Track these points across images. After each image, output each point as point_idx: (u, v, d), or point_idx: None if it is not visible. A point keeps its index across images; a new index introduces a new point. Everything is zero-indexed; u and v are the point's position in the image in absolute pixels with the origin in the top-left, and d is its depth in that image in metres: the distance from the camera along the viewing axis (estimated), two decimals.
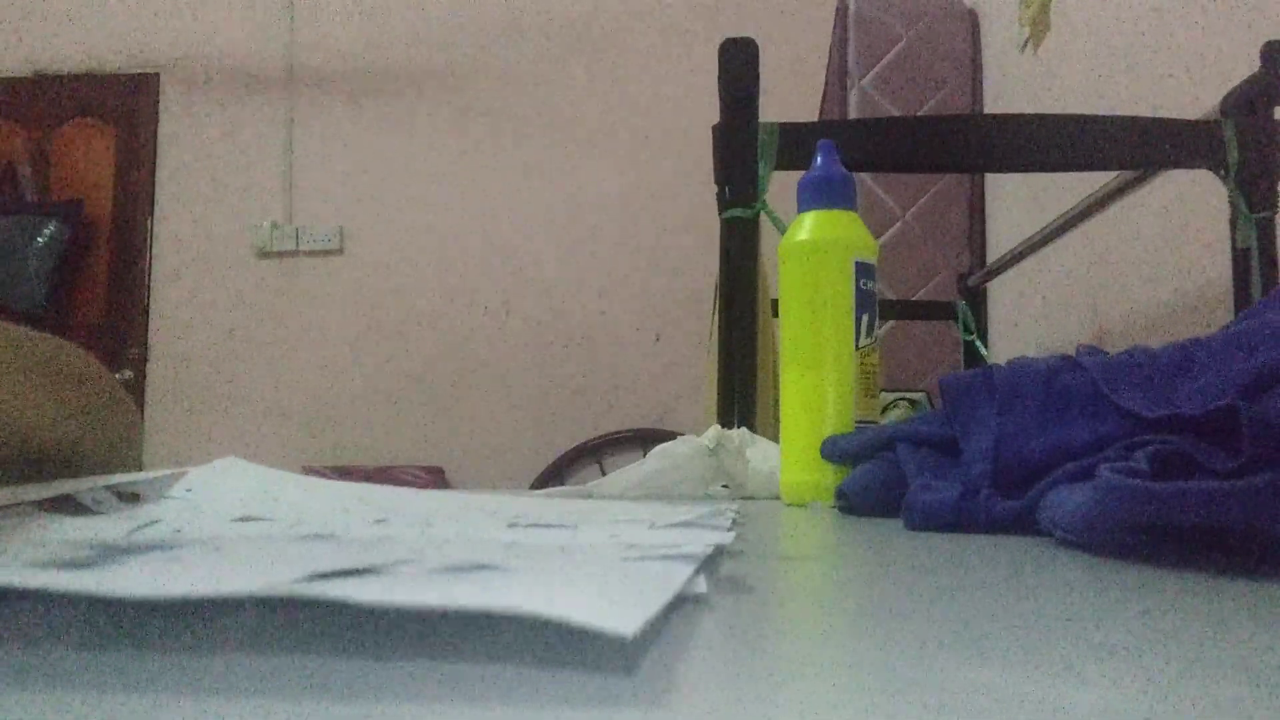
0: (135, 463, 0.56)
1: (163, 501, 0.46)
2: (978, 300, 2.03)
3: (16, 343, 0.48)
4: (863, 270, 0.65)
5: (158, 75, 3.56)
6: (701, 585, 0.22)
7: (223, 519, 0.41)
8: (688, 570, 0.22)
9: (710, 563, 0.29)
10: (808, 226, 0.66)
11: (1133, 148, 1.06)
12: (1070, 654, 0.17)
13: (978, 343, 1.86)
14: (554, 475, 3.23)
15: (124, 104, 3.55)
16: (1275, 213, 1.04)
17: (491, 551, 0.27)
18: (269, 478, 0.50)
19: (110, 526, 0.38)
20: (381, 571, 0.19)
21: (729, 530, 0.36)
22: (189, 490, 0.47)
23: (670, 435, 0.86)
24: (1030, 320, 2.16)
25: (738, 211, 1.00)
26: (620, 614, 0.14)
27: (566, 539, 0.33)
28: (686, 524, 0.38)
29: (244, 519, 0.41)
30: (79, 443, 0.49)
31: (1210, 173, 1.05)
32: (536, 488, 2.37)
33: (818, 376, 0.64)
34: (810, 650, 0.18)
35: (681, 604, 0.22)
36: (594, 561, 0.24)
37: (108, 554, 0.22)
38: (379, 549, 0.27)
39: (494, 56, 3.47)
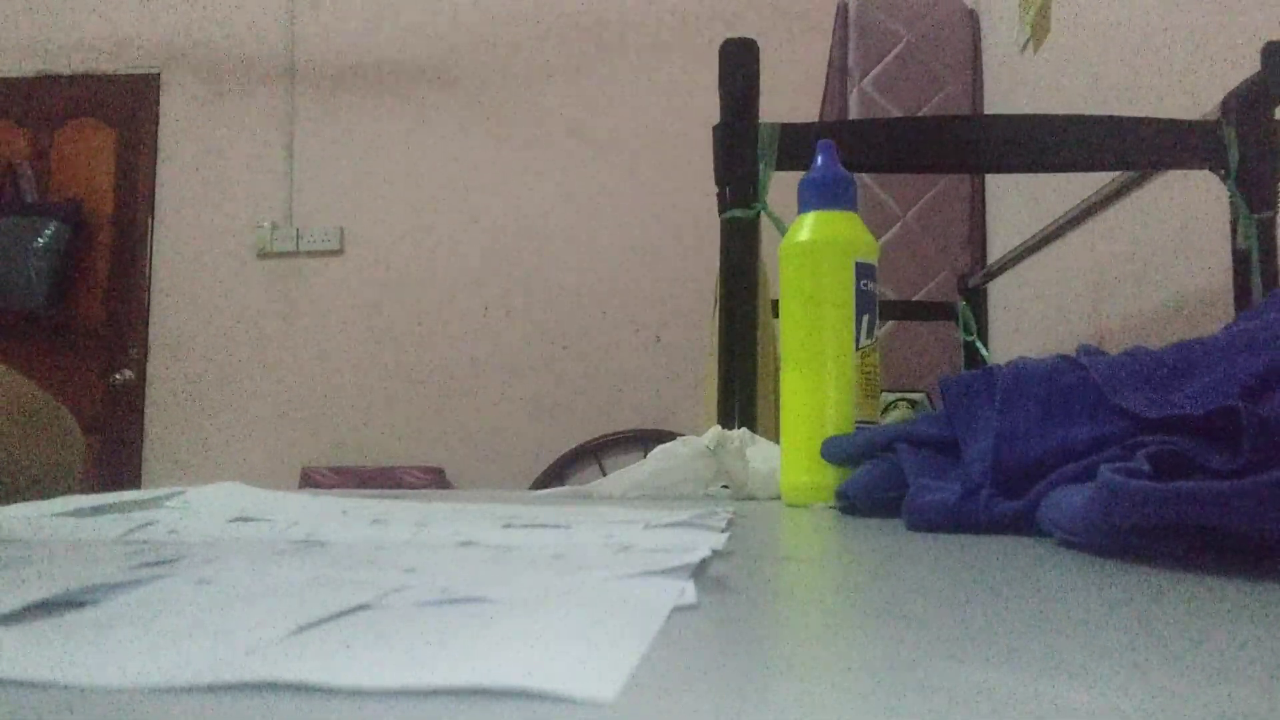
0: (74, 484, 0.57)
1: (161, 508, 0.46)
2: (978, 301, 2.03)
3: None
4: (863, 271, 0.65)
5: (158, 75, 3.56)
6: (690, 596, 0.22)
7: (219, 519, 0.41)
8: (676, 591, 0.22)
9: (707, 564, 0.29)
10: (808, 227, 0.66)
11: (1133, 148, 1.06)
12: (1070, 654, 0.17)
13: (978, 343, 1.86)
14: (554, 476, 3.23)
15: (124, 104, 3.55)
16: (1275, 213, 1.04)
17: (482, 567, 0.27)
18: (269, 495, 0.50)
19: (108, 526, 0.38)
20: (372, 608, 0.20)
21: (723, 531, 0.36)
22: (186, 504, 0.47)
23: (671, 436, 0.86)
24: (1031, 321, 2.16)
25: (738, 212, 1.00)
26: (600, 675, 0.14)
27: (561, 540, 0.33)
28: (681, 524, 0.38)
29: (240, 519, 0.41)
30: (37, 474, 0.50)
31: (1210, 173, 1.05)
32: (537, 488, 2.37)
33: (818, 377, 0.64)
34: (808, 651, 0.18)
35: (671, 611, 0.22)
36: (584, 581, 0.24)
37: (96, 591, 0.22)
38: (371, 563, 0.27)
39: (494, 57, 3.47)
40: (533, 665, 0.15)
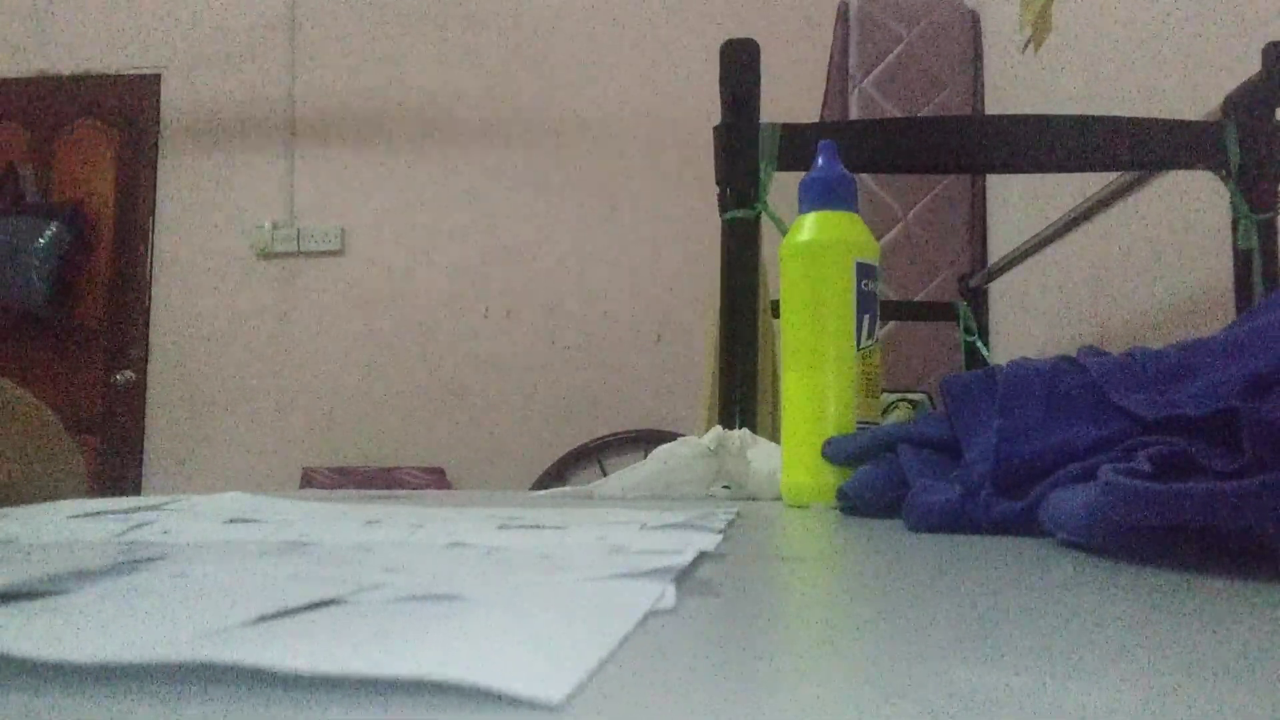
0: (79, 493, 0.57)
1: (160, 510, 0.46)
2: (979, 301, 2.03)
3: None
4: (864, 271, 0.65)
5: (159, 76, 3.56)
6: (670, 599, 0.22)
7: (214, 521, 0.41)
8: (655, 593, 0.22)
9: (697, 566, 0.29)
10: (809, 227, 0.66)
11: (1134, 149, 1.06)
12: (1070, 654, 0.17)
13: (979, 344, 1.86)
14: (555, 476, 3.23)
15: (126, 105, 3.55)
16: (1276, 214, 1.04)
17: (465, 567, 0.27)
18: (270, 500, 0.50)
19: (105, 527, 0.38)
20: (343, 602, 0.19)
21: (720, 532, 0.36)
22: (185, 508, 0.47)
23: (671, 436, 0.86)
24: (1031, 321, 2.16)
25: (739, 212, 1.00)
26: (551, 676, 0.14)
27: (553, 541, 0.33)
28: (677, 525, 0.38)
29: (236, 520, 0.41)
30: (20, 481, 0.50)
31: (1212, 174, 1.05)
32: (537, 488, 2.36)
33: (819, 377, 0.64)
34: (806, 651, 0.18)
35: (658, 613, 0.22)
36: (562, 581, 0.24)
37: (70, 579, 0.22)
38: (354, 563, 0.27)
39: (494, 58, 3.47)
40: (485, 662, 0.15)
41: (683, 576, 0.26)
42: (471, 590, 0.22)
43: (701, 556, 0.31)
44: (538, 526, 0.38)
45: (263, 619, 0.17)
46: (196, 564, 0.26)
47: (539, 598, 0.21)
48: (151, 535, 0.36)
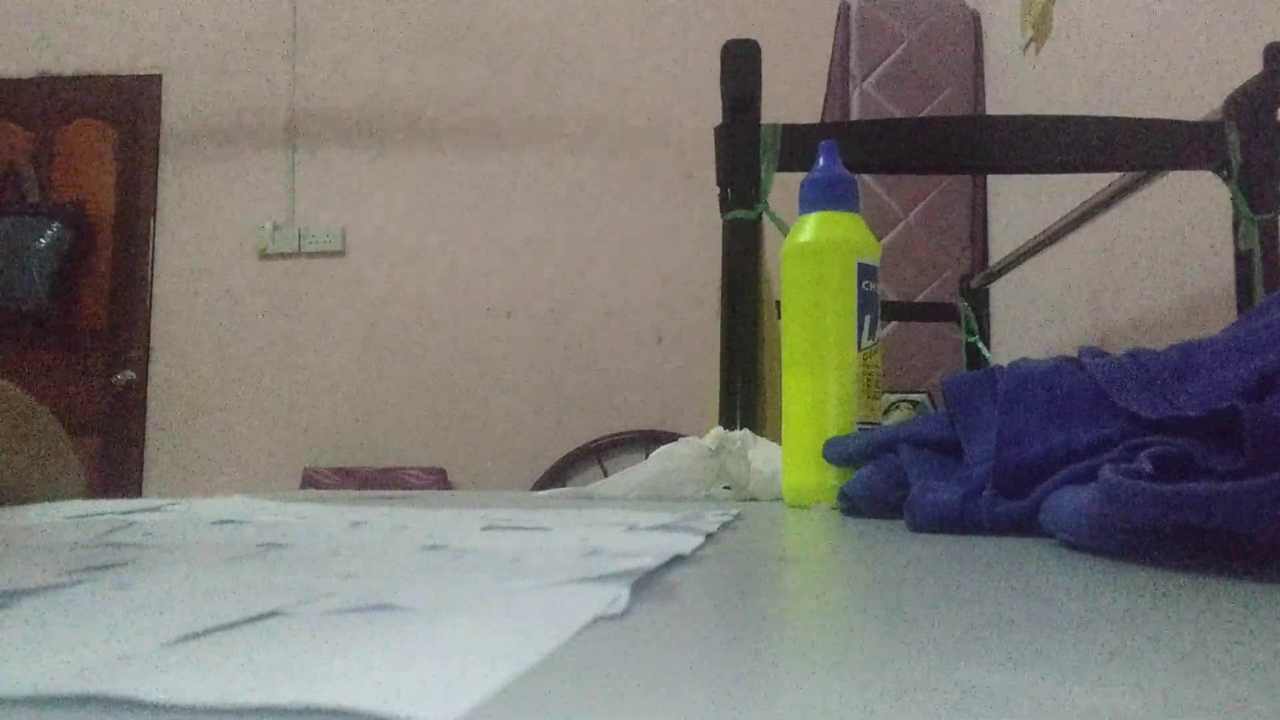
0: (77, 496, 0.57)
1: (155, 511, 0.46)
2: (980, 302, 2.03)
3: None
4: (865, 272, 0.65)
5: (160, 76, 3.57)
6: (621, 605, 0.21)
7: (200, 523, 0.41)
8: (606, 599, 0.21)
9: (679, 568, 0.29)
10: (810, 228, 0.66)
11: (1135, 149, 1.06)
12: (1071, 654, 0.17)
13: (980, 344, 1.86)
14: (556, 476, 3.23)
15: (126, 105, 3.56)
16: (1278, 214, 1.04)
17: (425, 573, 0.26)
18: (266, 503, 0.50)
19: (90, 528, 0.38)
20: (279, 615, 0.20)
21: (707, 534, 0.36)
22: (179, 510, 0.47)
23: (673, 436, 0.86)
24: (1033, 322, 2.16)
25: (740, 213, 1.00)
26: (445, 698, 0.13)
27: (532, 543, 0.33)
28: (666, 526, 0.38)
29: (222, 522, 0.41)
30: (21, 481, 0.50)
31: (1213, 174, 1.05)
32: (538, 489, 2.36)
33: (820, 378, 0.64)
34: (803, 650, 0.18)
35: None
36: (514, 588, 0.23)
37: (7, 595, 0.22)
38: (316, 568, 0.27)
39: (495, 59, 3.47)
40: (380, 684, 0.14)
41: (649, 580, 0.26)
42: (414, 600, 0.21)
43: (678, 559, 0.30)
44: (523, 528, 0.38)
45: (186, 638, 0.17)
46: (153, 571, 0.26)
47: (478, 607, 0.21)
48: (133, 537, 0.36)
